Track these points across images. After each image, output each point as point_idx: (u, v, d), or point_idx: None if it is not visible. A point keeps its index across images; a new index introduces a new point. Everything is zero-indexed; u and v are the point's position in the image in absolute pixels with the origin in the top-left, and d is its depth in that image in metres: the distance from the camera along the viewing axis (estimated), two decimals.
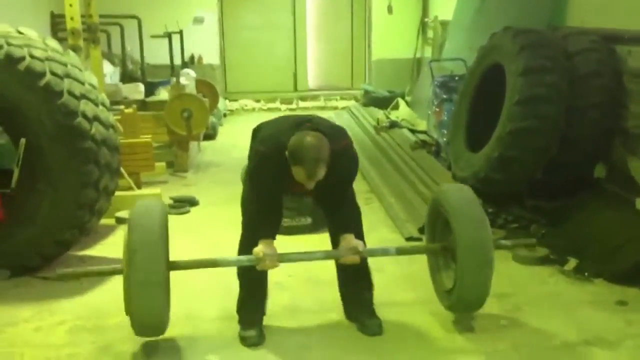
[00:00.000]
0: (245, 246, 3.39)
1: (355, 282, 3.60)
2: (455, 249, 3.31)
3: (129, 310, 3.13)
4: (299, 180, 3.10)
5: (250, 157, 3.40)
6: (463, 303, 3.44)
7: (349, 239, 3.29)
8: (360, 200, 3.66)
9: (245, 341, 3.43)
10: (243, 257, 3.36)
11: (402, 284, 4.23)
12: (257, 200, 3.36)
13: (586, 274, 4.19)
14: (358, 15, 12.89)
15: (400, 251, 3.69)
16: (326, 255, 3.44)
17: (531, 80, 4.86)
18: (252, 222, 3.40)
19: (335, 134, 3.25)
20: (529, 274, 4.35)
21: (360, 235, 3.45)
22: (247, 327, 3.48)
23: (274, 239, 3.30)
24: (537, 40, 5.15)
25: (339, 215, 3.38)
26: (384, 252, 3.66)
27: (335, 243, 3.47)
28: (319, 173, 3.03)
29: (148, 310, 3.06)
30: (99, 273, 3.69)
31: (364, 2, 12.72)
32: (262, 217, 3.31)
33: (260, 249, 3.20)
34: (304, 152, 3.00)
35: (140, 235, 3.04)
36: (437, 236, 3.65)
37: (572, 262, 4.33)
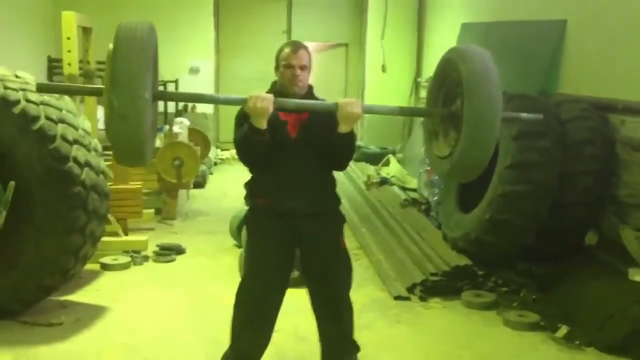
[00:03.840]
0: (242, 289, 3.26)
1: (338, 347, 3.37)
2: (462, 113, 2.88)
3: (111, 133, 2.79)
4: (286, 81, 3.13)
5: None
6: (464, 165, 2.98)
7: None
8: None
9: None
10: (234, 97, 3.09)
11: (391, 341, 4.17)
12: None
13: (577, 342, 4.13)
14: (352, 71, 13.08)
15: (404, 112, 3.43)
16: (325, 106, 3.10)
17: (523, 145, 4.91)
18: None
19: None
20: (519, 340, 4.28)
21: (347, 296, 3.34)
22: None
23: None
24: (529, 106, 5.21)
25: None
26: (382, 109, 3.40)
27: (314, 299, 3.34)
28: (302, 51, 3.14)
29: (131, 130, 2.69)
30: (79, 92, 3.68)
31: (358, 59, 12.92)
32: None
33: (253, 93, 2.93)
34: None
35: (125, 52, 2.68)
36: (439, 102, 3.23)
37: (563, 329, 4.27)
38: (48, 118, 4.18)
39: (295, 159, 3.16)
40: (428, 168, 7.17)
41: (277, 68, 3.22)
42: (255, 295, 3.23)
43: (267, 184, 3.18)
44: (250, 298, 3.23)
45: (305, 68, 3.17)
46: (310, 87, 3.28)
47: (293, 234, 3.20)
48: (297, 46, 3.20)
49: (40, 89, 3.31)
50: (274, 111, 2.97)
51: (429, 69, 11.18)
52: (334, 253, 3.29)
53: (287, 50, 3.17)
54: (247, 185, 3.31)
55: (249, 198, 3.29)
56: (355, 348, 3.44)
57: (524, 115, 3.30)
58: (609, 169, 4.91)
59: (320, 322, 3.36)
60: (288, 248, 3.25)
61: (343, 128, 3.06)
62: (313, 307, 3.36)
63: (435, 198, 6.74)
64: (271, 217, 3.17)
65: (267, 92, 3.03)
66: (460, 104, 2.91)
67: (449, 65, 3.06)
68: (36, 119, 4.12)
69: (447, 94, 3.10)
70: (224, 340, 3.44)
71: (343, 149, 3.19)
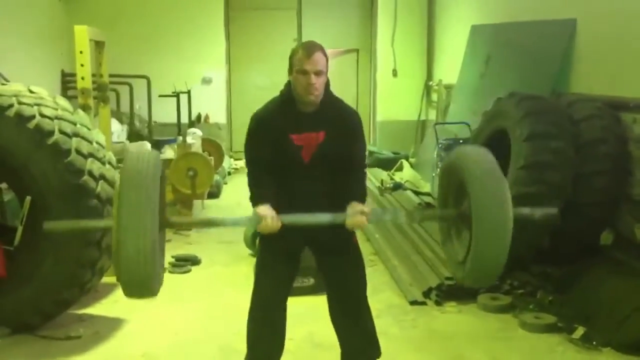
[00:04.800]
0: (256, 296, 3.29)
1: (359, 351, 3.40)
2: (470, 213, 2.84)
3: (118, 267, 2.80)
4: (300, 89, 2.97)
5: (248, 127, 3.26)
6: (477, 273, 2.94)
7: (355, 204, 3.04)
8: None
9: None
10: (243, 218, 3.13)
11: (407, 347, 4.16)
12: (255, 163, 3.20)
13: (594, 342, 4.11)
14: (363, 77, 13.09)
15: (410, 216, 3.42)
16: (331, 219, 3.08)
17: (536, 146, 4.89)
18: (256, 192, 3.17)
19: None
20: (536, 341, 4.26)
21: (363, 296, 3.35)
22: None
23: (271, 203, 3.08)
24: (541, 106, 5.21)
25: (348, 184, 3.13)
26: (393, 215, 3.37)
27: (333, 301, 3.35)
28: (317, 53, 2.95)
29: (137, 266, 2.71)
30: (88, 229, 3.56)
31: (369, 64, 12.93)
32: (260, 181, 3.14)
33: (261, 209, 2.99)
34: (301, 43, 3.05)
35: (130, 189, 2.74)
36: (449, 201, 3.22)
37: (580, 330, 4.25)
38: (62, 132, 4.22)
39: (307, 179, 3.14)
40: None
41: (290, 71, 3.05)
42: (267, 296, 3.24)
43: (278, 200, 3.09)
44: (262, 301, 3.25)
45: (321, 74, 2.98)
46: (327, 92, 3.10)
47: (303, 239, 3.24)
48: (312, 48, 2.98)
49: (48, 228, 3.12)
50: (286, 137, 3.02)
51: (440, 72, 11.17)
52: (348, 251, 3.29)
53: (301, 53, 2.98)
54: None
55: None
56: (378, 350, 3.40)
57: (538, 212, 3.25)
58: (623, 167, 4.88)
59: (341, 324, 3.35)
60: (297, 250, 3.30)
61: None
62: (331, 310, 3.36)
63: None
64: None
65: (279, 96, 3.08)
66: (468, 205, 2.87)
67: (452, 170, 3.07)
68: (51, 133, 4.17)
69: (456, 194, 3.08)
70: (242, 349, 3.46)
71: None
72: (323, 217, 3.05)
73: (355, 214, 2.99)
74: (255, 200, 3.07)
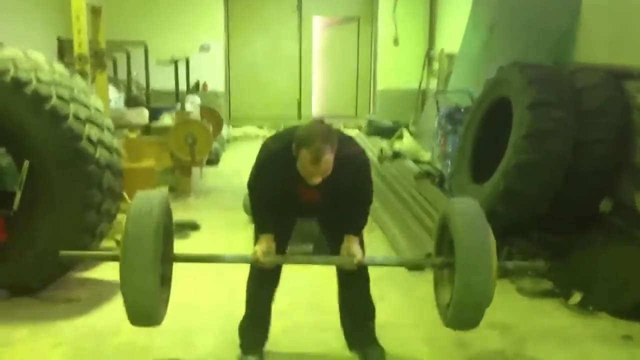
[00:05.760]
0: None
1: (357, 311, 3.55)
2: (454, 264, 3.07)
3: (124, 298, 3.03)
4: (304, 174, 2.95)
5: (258, 155, 3.27)
6: (458, 319, 3.17)
7: (350, 243, 3.20)
8: None
9: None
10: (239, 256, 3.36)
11: (405, 313, 4.18)
12: (259, 197, 3.28)
13: (590, 308, 4.14)
14: (364, 46, 12.99)
15: (402, 263, 3.60)
16: (325, 261, 3.38)
17: (538, 115, 4.86)
18: (257, 222, 3.34)
19: (346, 139, 3.18)
20: (533, 306, 4.30)
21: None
22: (248, 352, 3.44)
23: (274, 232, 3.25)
24: (544, 75, 5.16)
25: (348, 216, 3.26)
26: (385, 261, 3.57)
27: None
28: (325, 157, 2.85)
29: (140, 299, 2.98)
30: (97, 257, 3.88)
31: (371, 33, 12.82)
32: (263, 211, 3.27)
33: (257, 248, 3.19)
34: (311, 133, 2.88)
35: (135, 227, 2.97)
36: (443, 250, 3.42)
37: (577, 296, 4.28)
38: (60, 97, 4.20)
39: (308, 214, 3.47)
40: (441, 140, 7.14)
41: (295, 151, 2.94)
42: (265, 193, 3.26)
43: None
44: (260, 195, 3.30)
45: (328, 170, 2.93)
46: (335, 162, 2.97)
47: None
48: (319, 152, 2.84)
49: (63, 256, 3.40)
50: (291, 183, 3.08)
51: (442, 41, 11.09)
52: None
53: (307, 155, 2.86)
54: None
55: None
56: (373, 311, 3.56)
57: (527, 264, 3.80)
58: (625, 136, 4.85)
59: (341, 284, 3.48)
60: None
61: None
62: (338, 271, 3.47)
63: (449, 170, 6.72)
64: None
65: (280, 151, 3.05)
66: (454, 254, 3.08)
67: (444, 220, 3.26)
68: (48, 98, 4.14)
69: (449, 243, 3.21)
70: (239, 314, 3.49)
71: None
72: (316, 259, 3.37)
73: (348, 259, 3.20)
74: (259, 229, 3.26)
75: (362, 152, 3.24)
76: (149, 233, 2.93)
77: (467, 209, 3.17)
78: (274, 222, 3.24)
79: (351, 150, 3.16)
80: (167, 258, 3.21)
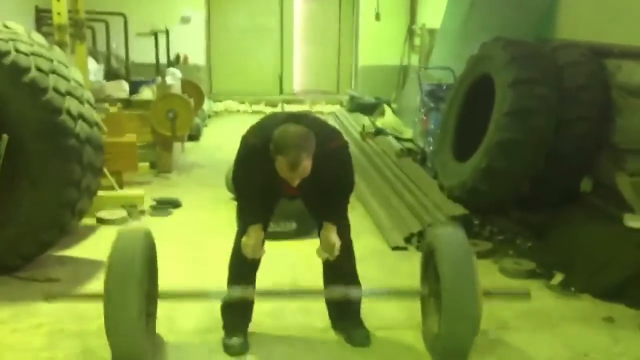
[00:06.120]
0: (239, 236, 3.34)
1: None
2: (440, 296, 3.12)
3: (109, 343, 3.03)
4: (283, 176, 2.98)
5: (238, 149, 3.26)
6: (446, 351, 3.21)
7: (329, 232, 3.22)
8: None
9: (229, 349, 3.36)
10: (226, 291, 3.39)
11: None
12: (243, 190, 3.31)
13: (572, 289, 4.18)
14: (346, 21, 12.88)
15: (390, 293, 3.73)
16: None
17: (521, 92, 4.86)
18: (243, 213, 3.34)
19: (327, 135, 3.19)
20: (515, 287, 4.32)
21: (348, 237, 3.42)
22: (231, 334, 3.42)
23: (262, 222, 3.28)
24: (527, 51, 5.17)
25: (327, 204, 3.29)
26: (371, 293, 3.64)
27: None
28: (301, 164, 2.89)
29: (125, 346, 2.99)
30: (79, 298, 3.74)
31: (352, 8, 12.71)
32: (248, 203, 3.27)
33: (246, 241, 3.19)
34: (287, 140, 2.90)
35: (117, 278, 2.96)
36: (430, 279, 3.41)
37: (559, 277, 4.31)
38: (39, 69, 4.09)
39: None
40: (424, 117, 7.13)
41: (272, 154, 2.96)
42: (249, 188, 3.27)
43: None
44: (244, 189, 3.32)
45: (306, 174, 2.95)
46: (316, 159, 2.98)
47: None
48: (296, 160, 2.87)
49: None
50: (272, 177, 3.04)
51: (424, 16, 11.03)
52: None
53: (284, 162, 2.90)
54: None
55: None
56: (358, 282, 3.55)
57: (511, 290, 3.88)
58: (605, 114, 4.88)
59: (326, 264, 3.45)
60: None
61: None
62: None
63: (431, 148, 6.72)
64: None
65: (261, 145, 3.03)
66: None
67: (428, 251, 3.31)
68: (27, 70, 4.04)
69: (435, 271, 3.22)
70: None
71: None
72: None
73: (325, 245, 3.23)
74: (247, 220, 3.24)
75: (343, 147, 3.27)
76: (132, 286, 2.91)
77: (452, 239, 3.24)
78: (259, 205, 3.25)
79: (333, 145, 3.18)
80: (153, 296, 3.20)
